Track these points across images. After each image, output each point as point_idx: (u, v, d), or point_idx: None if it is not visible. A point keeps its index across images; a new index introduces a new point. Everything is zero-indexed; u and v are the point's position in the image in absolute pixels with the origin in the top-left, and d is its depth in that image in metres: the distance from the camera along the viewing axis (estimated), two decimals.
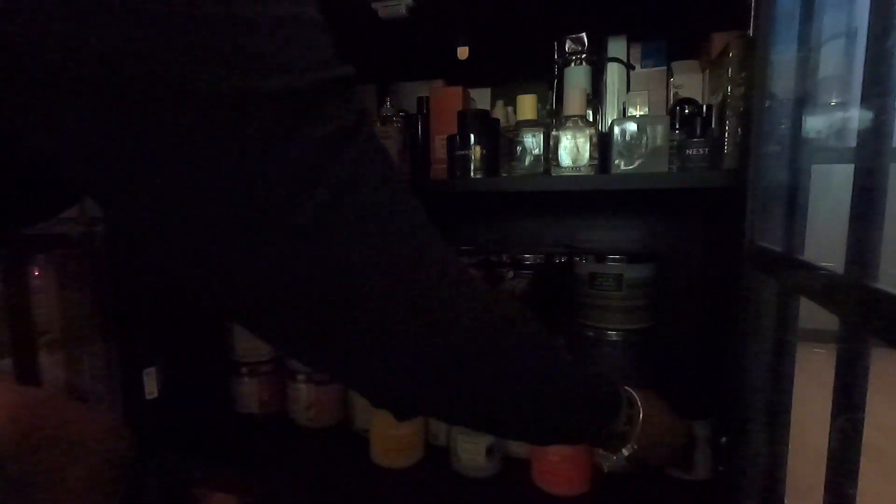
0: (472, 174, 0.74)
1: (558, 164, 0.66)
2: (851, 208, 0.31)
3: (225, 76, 0.20)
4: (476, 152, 0.73)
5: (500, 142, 0.77)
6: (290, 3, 0.22)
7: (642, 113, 0.71)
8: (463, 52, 0.90)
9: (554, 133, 0.67)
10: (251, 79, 0.21)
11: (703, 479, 0.66)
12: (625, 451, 0.43)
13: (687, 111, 0.69)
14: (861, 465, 0.31)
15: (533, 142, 0.70)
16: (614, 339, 0.72)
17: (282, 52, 0.22)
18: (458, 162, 0.75)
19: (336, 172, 0.23)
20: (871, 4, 0.29)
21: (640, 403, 0.44)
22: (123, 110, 0.20)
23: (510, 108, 0.87)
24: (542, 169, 0.70)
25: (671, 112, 0.72)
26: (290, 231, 0.23)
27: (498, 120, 0.82)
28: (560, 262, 0.77)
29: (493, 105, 0.92)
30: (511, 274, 0.76)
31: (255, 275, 0.24)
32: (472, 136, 0.73)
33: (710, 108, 0.66)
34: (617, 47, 0.75)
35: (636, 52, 0.78)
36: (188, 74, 0.20)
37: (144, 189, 0.22)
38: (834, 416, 0.32)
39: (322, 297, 0.25)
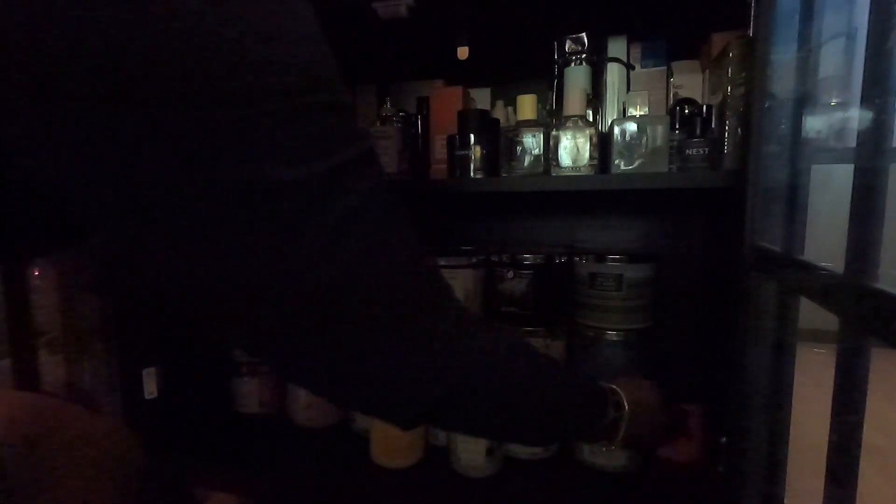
0: (472, 174, 0.74)
1: (558, 164, 0.66)
2: (851, 208, 0.31)
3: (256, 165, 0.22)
4: (476, 152, 0.73)
5: (500, 142, 0.77)
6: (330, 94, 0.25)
7: (642, 113, 0.71)
8: (463, 52, 0.90)
9: (554, 133, 0.67)
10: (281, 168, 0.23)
11: (690, 461, 0.67)
12: (612, 446, 0.48)
13: (687, 111, 0.69)
14: (861, 465, 0.31)
15: (533, 142, 0.70)
16: (614, 339, 0.72)
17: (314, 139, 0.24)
18: (458, 162, 0.75)
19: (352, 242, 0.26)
20: (871, 4, 0.29)
21: (625, 400, 0.47)
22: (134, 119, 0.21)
23: (510, 108, 0.87)
24: (542, 169, 0.70)
25: (671, 112, 0.72)
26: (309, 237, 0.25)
27: (498, 120, 0.82)
28: (560, 262, 0.77)
29: (493, 105, 0.92)
30: (511, 274, 0.76)
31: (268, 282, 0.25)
32: (472, 136, 0.73)
33: (710, 108, 0.66)
34: (617, 47, 0.75)
35: (636, 52, 0.78)
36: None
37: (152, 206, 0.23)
38: (834, 417, 0.32)
39: (329, 302, 0.26)
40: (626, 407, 0.46)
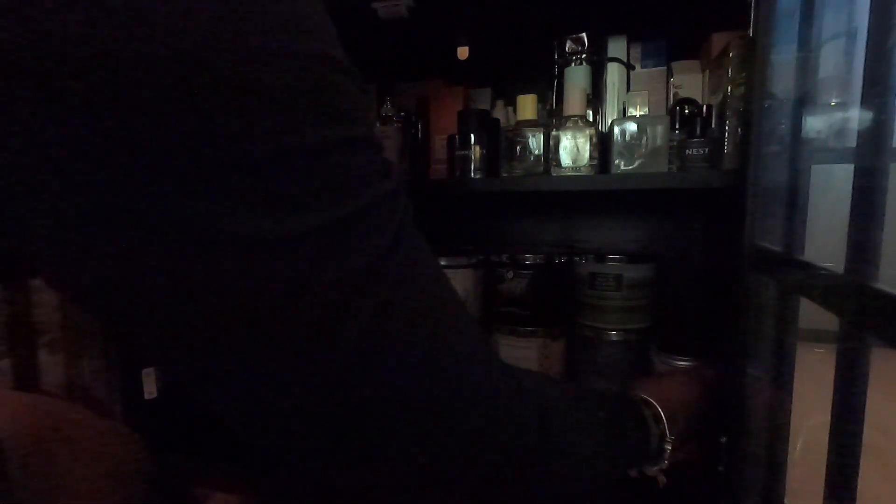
0: (472, 174, 0.74)
1: (558, 164, 0.66)
2: (851, 208, 0.31)
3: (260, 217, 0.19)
4: (476, 152, 0.73)
5: (500, 142, 0.77)
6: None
7: (642, 113, 0.71)
8: (463, 52, 0.90)
9: (554, 133, 0.66)
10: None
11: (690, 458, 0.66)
12: (666, 458, 0.42)
13: (687, 111, 0.69)
14: (861, 465, 0.31)
15: (533, 142, 0.70)
16: (614, 339, 0.72)
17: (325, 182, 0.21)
18: (458, 162, 0.75)
19: (377, 293, 0.22)
20: (871, 4, 0.29)
21: (661, 411, 0.42)
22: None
23: (510, 108, 0.87)
24: (542, 169, 0.70)
25: (671, 112, 0.72)
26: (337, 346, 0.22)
27: (498, 120, 0.82)
28: (560, 262, 0.77)
29: (493, 105, 0.92)
30: (511, 274, 0.76)
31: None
32: (472, 136, 0.73)
33: (710, 108, 0.66)
34: (617, 47, 0.75)
35: (636, 52, 0.78)
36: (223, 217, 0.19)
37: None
38: (834, 416, 0.32)
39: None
40: (664, 420, 0.41)
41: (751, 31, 0.55)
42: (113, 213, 0.18)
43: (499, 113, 0.89)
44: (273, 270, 0.20)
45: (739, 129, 0.60)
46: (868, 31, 0.29)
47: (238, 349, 0.21)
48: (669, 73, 0.76)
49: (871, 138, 0.29)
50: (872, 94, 0.29)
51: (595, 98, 0.75)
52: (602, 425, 0.36)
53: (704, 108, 0.67)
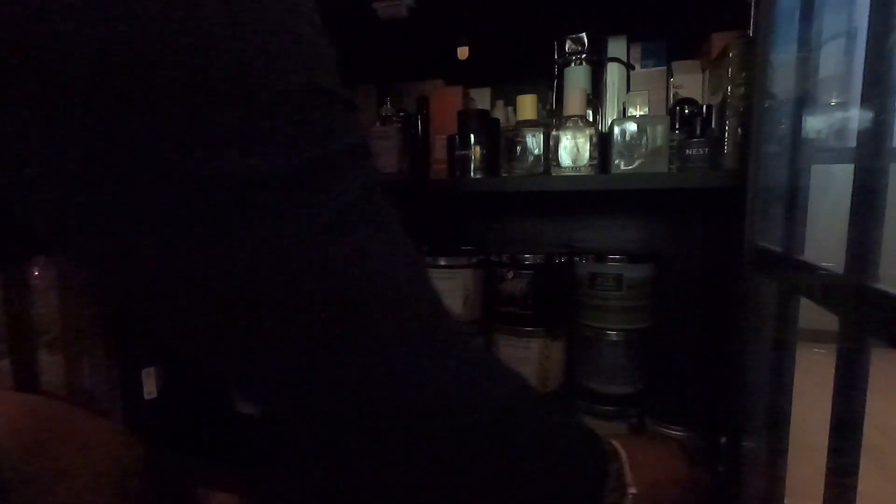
0: (472, 174, 0.74)
1: (558, 164, 0.66)
2: (851, 208, 0.31)
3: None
4: (476, 152, 0.73)
5: (500, 142, 0.77)
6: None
7: (642, 113, 0.71)
8: (463, 52, 0.90)
9: (554, 133, 0.67)
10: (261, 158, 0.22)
11: None
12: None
13: (687, 111, 0.69)
14: (861, 465, 0.31)
15: (533, 142, 0.70)
16: (614, 339, 0.72)
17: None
18: (458, 162, 0.75)
19: (343, 248, 0.24)
20: (871, 4, 0.29)
21: (621, 453, 0.37)
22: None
23: (510, 108, 0.87)
24: (542, 169, 0.70)
25: (671, 112, 0.72)
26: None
27: (498, 120, 0.82)
28: (560, 262, 0.77)
29: (493, 105, 0.92)
30: (511, 274, 0.76)
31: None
32: (472, 136, 0.73)
33: (710, 108, 0.66)
34: (617, 47, 0.75)
35: (636, 52, 0.78)
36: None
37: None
38: (834, 416, 0.32)
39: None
40: (626, 463, 0.36)
41: (751, 31, 0.56)
42: (114, 164, 0.20)
43: (499, 113, 0.89)
44: (263, 208, 0.22)
45: (739, 129, 0.60)
46: (868, 31, 0.29)
47: (231, 297, 0.23)
48: (669, 73, 0.76)
49: (871, 138, 0.29)
50: (872, 94, 0.29)
51: (595, 98, 0.75)
52: (564, 437, 0.34)
53: (704, 108, 0.67)
